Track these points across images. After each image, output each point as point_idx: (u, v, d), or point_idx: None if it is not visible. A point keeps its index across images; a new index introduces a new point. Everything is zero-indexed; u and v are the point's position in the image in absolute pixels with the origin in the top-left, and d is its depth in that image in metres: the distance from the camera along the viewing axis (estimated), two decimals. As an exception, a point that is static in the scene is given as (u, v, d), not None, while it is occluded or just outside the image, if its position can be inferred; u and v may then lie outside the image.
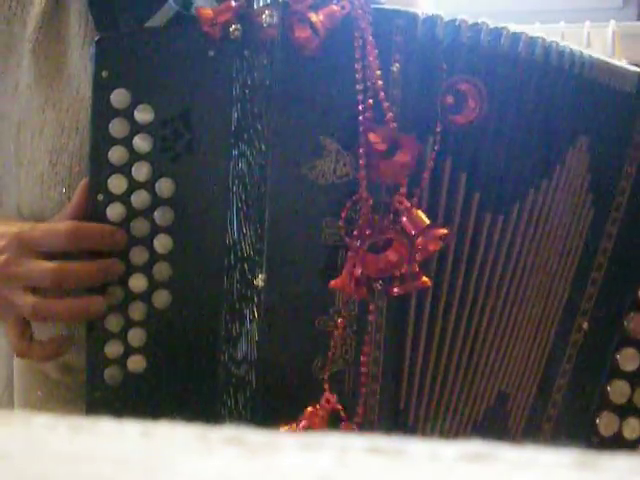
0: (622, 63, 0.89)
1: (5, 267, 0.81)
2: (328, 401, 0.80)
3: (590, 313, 0.89)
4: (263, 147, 0.80)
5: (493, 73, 0.82)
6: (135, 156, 0.81)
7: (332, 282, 0.78)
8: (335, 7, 0.79)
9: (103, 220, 0.81)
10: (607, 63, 0.87)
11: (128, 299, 0.82)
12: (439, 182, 0.81)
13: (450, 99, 0.81)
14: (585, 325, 0.89)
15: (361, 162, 0.78)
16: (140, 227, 0.82)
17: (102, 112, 0.81)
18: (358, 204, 0.79)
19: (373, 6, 0.80)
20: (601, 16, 2.37)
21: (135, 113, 0.81)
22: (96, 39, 0.82)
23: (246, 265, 0.81)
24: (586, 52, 0.86)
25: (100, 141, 0.81)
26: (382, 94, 0.79)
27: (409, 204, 0.79)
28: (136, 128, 0.81)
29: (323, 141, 0.79)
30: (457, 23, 0.81)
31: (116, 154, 0.81)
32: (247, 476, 0.32)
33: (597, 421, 0.90)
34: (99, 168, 0.81)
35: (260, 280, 0.80)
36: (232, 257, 0.82)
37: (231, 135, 0.81)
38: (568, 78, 0.84)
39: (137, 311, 0.82)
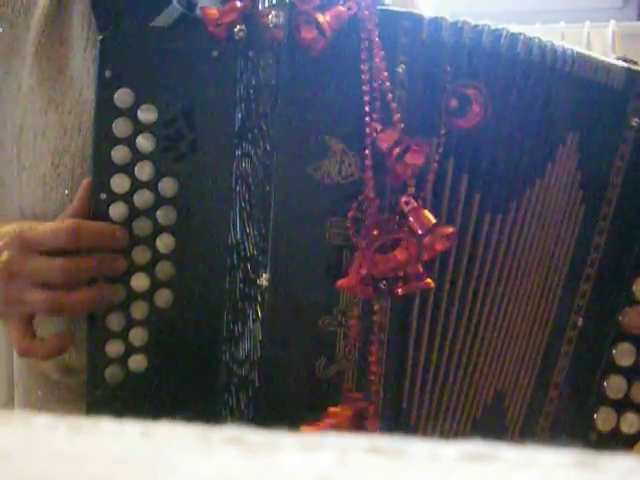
0: (610, 59, 0.89)
1: (8, 266, 0.81)
2: (354, 399, 0.80)
3: (585, 309, 0.89)
4: (268, 147, 0.80)
5: (494, 74, 0.82)
6: (138, 155, 0.81)
7: (339, 282, 0.78)
8: (342, 8, 0.79)
9: (105, 219, 0.81)
10: (595, 60, 0.87)
11: (130, 298, 0.82)
12: (442, 183, 0.81)
13: (454, 102, 0.81)
14: (580, 321, 0.89)
15: (367, 163, 0.78)
16: (143, 226, 0.82)
17: (105, 111, 0.81)
18: (364, 204, 0.79)
19: (379, 7, 0.80)
20: (601, 16, 2.37)
21: (138, 113, 0.81)
22: (100, 38, 0.82)
23: (250, 265, 0.81)
24: (576, 49, 0.86)
25: (103, 140, 0.81)
26: (390, 95, 0.79)
27: (416, 204, 0.79)
28: (139, 128, 0.81)
29: (328, 141, 0.79)
30: (460, 25, 0.81)
31: (119, 153, 0.81)
32: (247, 476, 0.32)
33: (595, 417, 0.90)
34: (102, 167, 0.81)
35: (264, 280, 0.80)
36: (235, 257, 0.82)
37: (234, 135, 0.81)
38: (559, 76, 0.84)
39: (139, 310, 0.82)
